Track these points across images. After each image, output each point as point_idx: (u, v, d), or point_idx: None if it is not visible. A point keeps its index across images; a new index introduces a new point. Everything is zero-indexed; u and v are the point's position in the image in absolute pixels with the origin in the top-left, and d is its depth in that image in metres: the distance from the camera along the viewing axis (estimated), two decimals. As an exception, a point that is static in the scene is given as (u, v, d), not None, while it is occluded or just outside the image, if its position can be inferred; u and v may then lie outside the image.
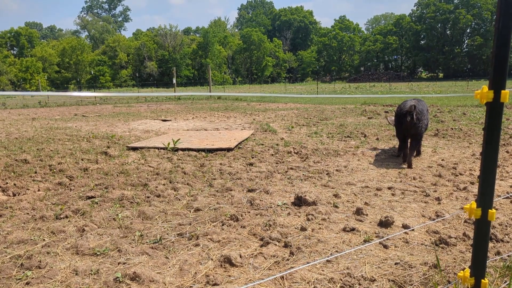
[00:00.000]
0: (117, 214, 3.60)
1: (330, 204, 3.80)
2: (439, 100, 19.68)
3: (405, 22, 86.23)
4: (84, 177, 5.00)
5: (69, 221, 3.50)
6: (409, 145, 5.62)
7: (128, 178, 4.90)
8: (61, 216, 3.58)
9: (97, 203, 3.94)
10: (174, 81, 31.17)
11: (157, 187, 4.44)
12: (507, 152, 6.45)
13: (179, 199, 4.06)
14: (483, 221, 1.76)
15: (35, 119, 14.49)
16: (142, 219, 3.49)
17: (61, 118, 14.70)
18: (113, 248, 2.92)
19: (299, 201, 3.75)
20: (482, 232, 1.76)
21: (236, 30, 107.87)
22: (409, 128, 5.49)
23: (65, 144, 7.80)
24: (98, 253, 2.84)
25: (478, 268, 1.77)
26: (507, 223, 3.48)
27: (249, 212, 3.60)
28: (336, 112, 14.94)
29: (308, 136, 8.59)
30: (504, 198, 4.18)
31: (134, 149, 6.90)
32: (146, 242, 3.03)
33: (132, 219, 3.51)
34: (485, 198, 1.74)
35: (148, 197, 4.14)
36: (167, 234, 3.17)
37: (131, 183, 4.65)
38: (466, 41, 79.27)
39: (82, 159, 6.06)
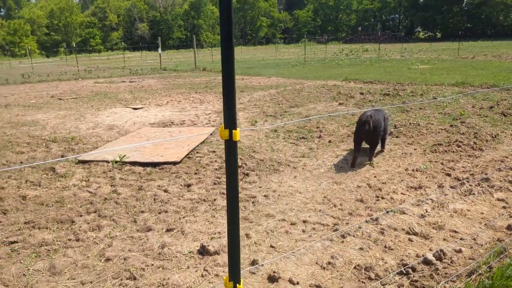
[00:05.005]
0: (28, 268, 3.84)
1: (231, 254, 4.04)
2: (422, 74, 19.54)
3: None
4: (18, 210, 5.16)
5: (-20, 277, 3.70)
6: (369, 149, 6.91)
7: (60, 211, 5.07)
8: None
9: (16, 251, 4.16)
10: (159, 51, 30.79)
11: (81, 226, 4.64)
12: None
13: (97, 243, 4.29)
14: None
15: (8, 106, 14.50)
16: (50, 275, 3.72)
17: (34, 104, 14.74)
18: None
19: (203, 250, 4.00)
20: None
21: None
22: (367, 135, 6.56)
23: (21, 153, 7.92)
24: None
25: None
26: None
27: (152, 265, 3.84)
28: (312, 93, 15.03)
29: (266, 136, 8.76)
30: None
31: (84, 162, 7.08)
32: (42, 308, 3.28)
33: (42, 273, 3.76)
34: (234, 272, 2.01)
35: (69, 240, 4.35)
36: (66, 296, 3.43)
37: (59, 219, 4.83)
38: (465, 0, 77.13)
39: (26, 181, 6.22)
